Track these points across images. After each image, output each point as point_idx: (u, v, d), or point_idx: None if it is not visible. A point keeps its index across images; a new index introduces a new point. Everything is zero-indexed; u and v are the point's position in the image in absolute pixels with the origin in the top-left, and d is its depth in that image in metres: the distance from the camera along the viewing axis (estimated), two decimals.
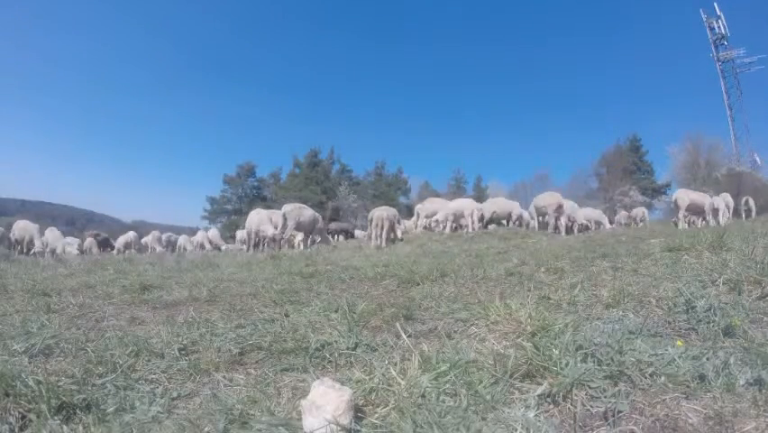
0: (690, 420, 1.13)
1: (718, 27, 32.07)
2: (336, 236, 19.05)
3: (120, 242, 18.77)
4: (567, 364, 1.35)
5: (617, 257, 3.82)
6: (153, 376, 1.67)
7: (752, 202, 16.44)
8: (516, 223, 15.25)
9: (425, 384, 1.32)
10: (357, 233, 21.18)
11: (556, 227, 12.00)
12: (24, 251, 13.83)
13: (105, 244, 19.32)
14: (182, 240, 20.61)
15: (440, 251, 7.11)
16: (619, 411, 1.17)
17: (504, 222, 15.18)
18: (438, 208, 14.27)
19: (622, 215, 20.05)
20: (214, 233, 21.58)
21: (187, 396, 1.52)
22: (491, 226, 14.04)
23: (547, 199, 12.75)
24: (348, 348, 1.79)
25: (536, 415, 1.17)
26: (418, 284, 3.29)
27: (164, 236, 20.12)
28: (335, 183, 36.12)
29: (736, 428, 1.08)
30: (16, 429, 1.29)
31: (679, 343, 1.57)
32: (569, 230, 12.45)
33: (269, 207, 17.04)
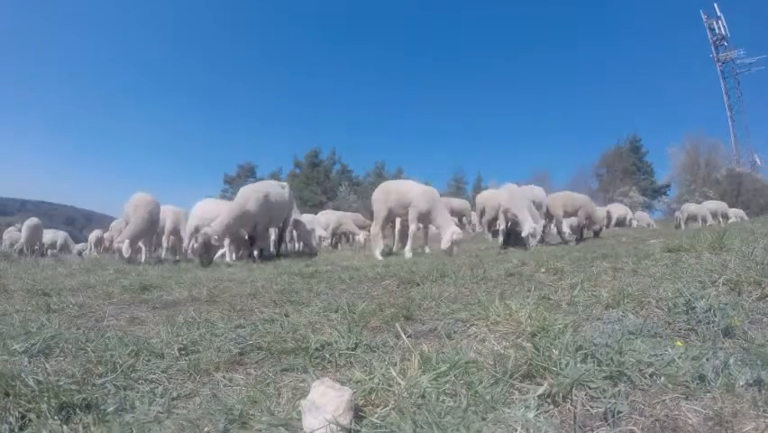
0: (689, 421, 1.13)
1: (718, 28, 32.11)
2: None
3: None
4: (567, 365, 1.35)
5: (617, 258, 3.82)
6: (153, 376, 1.66)
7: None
8: None
9: (425, 384, 1.32)
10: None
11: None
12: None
13: None
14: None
15: (440, 251, 7.11)
16: (619, 412, 1.17)
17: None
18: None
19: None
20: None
21: (187, 396, 1.52)
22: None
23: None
24: (348, 348, 1.79)
25: (536, 415, 1.17)
26: (418, 284, 3.29)
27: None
28: (335, 183, 36.11)
29: (735, 429, 1.08)
30: (16, 429, 1.28)
31: (678, 343, 1.57)
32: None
33: None
